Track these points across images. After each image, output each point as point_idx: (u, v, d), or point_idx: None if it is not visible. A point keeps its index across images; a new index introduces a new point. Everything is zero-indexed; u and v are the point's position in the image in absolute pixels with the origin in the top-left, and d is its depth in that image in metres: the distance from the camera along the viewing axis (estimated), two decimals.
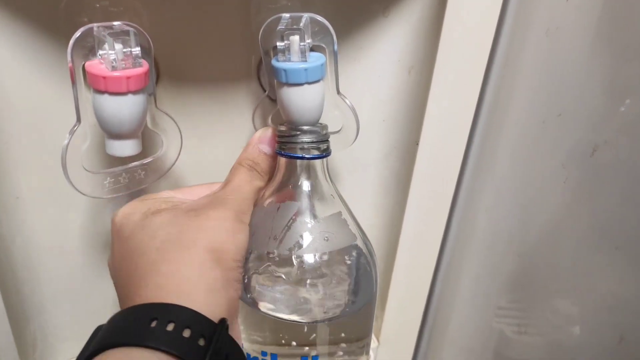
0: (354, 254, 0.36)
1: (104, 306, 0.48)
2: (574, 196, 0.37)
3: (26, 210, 0.41)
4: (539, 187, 0.41)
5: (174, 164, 0.39)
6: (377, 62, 0.41)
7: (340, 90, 0.36)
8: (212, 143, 0.43)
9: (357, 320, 0.36)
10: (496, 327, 0.54)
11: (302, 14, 0.33)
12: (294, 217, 0.34)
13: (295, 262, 0.33)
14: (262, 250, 0.34)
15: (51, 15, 0.36)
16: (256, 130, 0.39)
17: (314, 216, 0.35)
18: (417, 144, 0.41)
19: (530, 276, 0.47)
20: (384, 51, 0.40)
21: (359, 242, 0.36)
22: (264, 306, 0.34)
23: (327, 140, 0.36)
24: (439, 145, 0.41)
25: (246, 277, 0.33)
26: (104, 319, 0.48)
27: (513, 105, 0.41)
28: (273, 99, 0.38)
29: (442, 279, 0.52)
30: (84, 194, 0.35)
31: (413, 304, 0.50)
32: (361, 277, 0.36)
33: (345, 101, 0.36)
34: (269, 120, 0.39)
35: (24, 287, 0.44)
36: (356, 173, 0.46)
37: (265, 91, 0.40)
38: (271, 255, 0.34)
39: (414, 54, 0.40)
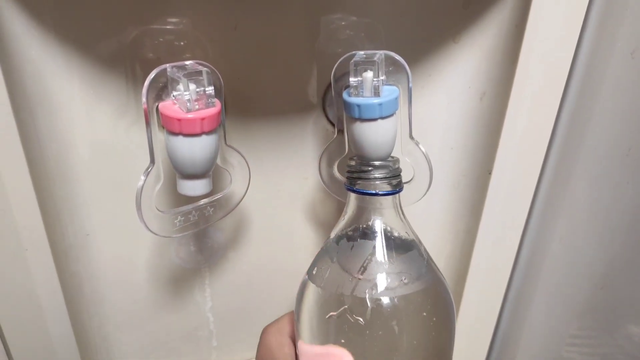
0: (431, 293, 0.34)
1: (165, 337, 0.48)
2: None
3: (97, 247, 0.41)
4: (618, 215, 0.39)
5: (242, 199, 0.38)
6: (447, 88, 0.39)
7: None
8: (278, 178, 0.42)
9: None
10: (566, 357, 0.51)
11: (376, 51, 0.32)
12: (369, 257, 0.33)
13: (370, 304, 0.32)
14: (334, 291, 0.33)
15: (118, 51, 0.36)
16: (321, 174, 0.38)
17: (391, 255, 0.34)
18: (490, 173, 0.39)
19: (604, 305, 0.45)
20: (455, 77, 0.39)
21: (436, 280, 0.35)
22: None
23: (400, 175, 0.34)
24: (513, 174, 0.39)
25: (320, 318, 0.32)
26: (165, 349, 0.49)
27: (590, 132, 0.39)
28: (341, 131, 0.37)
29: (511, 309, 0.50)
30: (156, 234, 0.34)
31: (481, 333, 0.48)
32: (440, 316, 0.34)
33: (418, 147, 0.35)
34: (335, 168, 0.38)
35: (93, 320, 0.44)
36: (423, 202, 0.44)
37: (332, 124, 0.39)
38: (346, 297, 0.32)
39: (487, 79, 0.38)
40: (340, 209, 0.44)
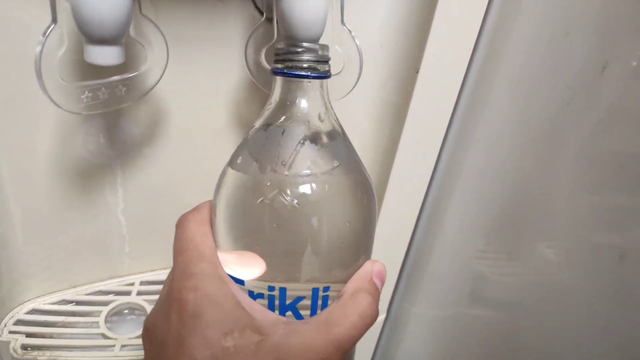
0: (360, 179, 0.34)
1: (73, 242, 0.45)
2: (577, 123, 0.36)
3: None
4: (539, 113, 0.40)
5: (158, 81, 0.35)
6: None
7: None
8: (199, 66, 0.39)
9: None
10: (476, 269, 0.54)
11: None
12: (301, 141, 0.32)
13: (302, 188, 0.31)
14: (264, 178, 0.31)
15: None
16: (247, 61, 0.35)
17: (321, 141, 0.33)
18: (417, 72, 0.39)
19: (517, 218, 0.47)
20: None
21: (363, 169, 0.34)
22: None
23: (329, 63, 0.33)
24: (439, 73, 0.39)
25: (250, 204, 0.31)
26: (73, 255, 0.46)
27: (516, 28, 0.39)
28: (270, 20, 0.35)
29: (429, 213, 0.51)
30: (60, 107, 0.31)
31: (399, 236, 0.49)
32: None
33: (351, 36, 0.33)
34: (262, 55, 0.36)
35: None
36: (348, 102, 0.43)
37: (262, 14, 0.36)
38: (279, 182, 0.31)
39: None
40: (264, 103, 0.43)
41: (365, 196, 0.34)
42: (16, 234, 0.42)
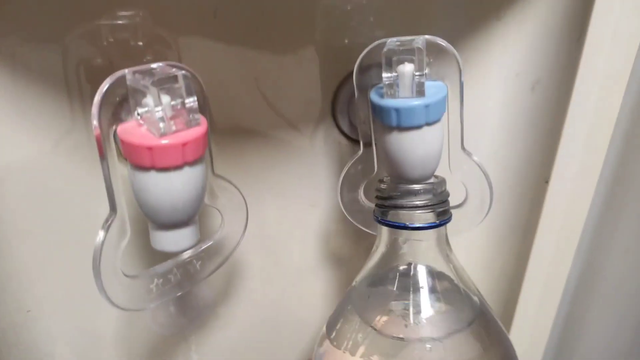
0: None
1: None
2: None
3: (40, 326, 0.31)
4: None
5: (238, 244, 0.28)
6: (488, 78, 0.31)
7: None
8: (278, 209, 0.33)
9: None
10: None
11: (414, 37, 0.24)
12: (409, 307, 0.25)
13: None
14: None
15: (51, 57, 0.26)
16: (343, 201, 0.29)
17: (435, 305, 0.25)
18: (547, 182, 0.31)
19: None
20: (500, 63, 0.31)
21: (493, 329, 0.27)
22: None
23: (447, 201, 0.26)
24: (572, 184, 0.32)
25: None
26: None
27: None
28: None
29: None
30: (124, 309, 0.24)
31: None
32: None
33: (471, 159, 0.26)
34: (361, 192, 0.29)
35: None
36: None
37: (346, 137, 0.30)
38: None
39: (539, 64, 0.30)
40: (360, 242, 0.35)
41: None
42: None
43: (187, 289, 0.27)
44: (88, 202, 0.28)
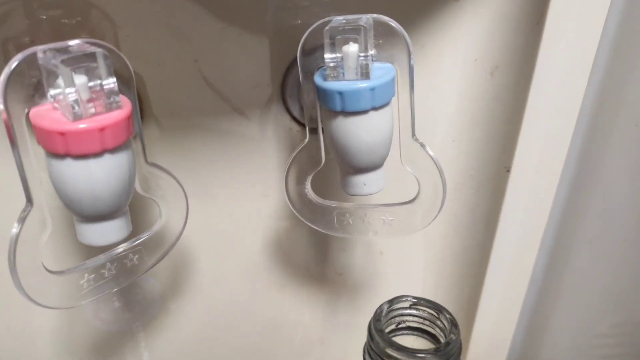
0: None
1: None
2: None
3: None
4: None
5: (179, 237, 0.27)
6: (446, 63, 0.29)
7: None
8: (226, 199, 0.31)
9: None
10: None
11: (360, 15, 0.22)
12: None
13: None
14: None
15: None
16: (289, 194, 0.27)
17: None
18: (508, 171, 0.30)
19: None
20: (457, 47, 0.29)
21: None
22: None
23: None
24: (535, 171, 0.30)
25: None
26: None
27: (627, 108, 0.30)
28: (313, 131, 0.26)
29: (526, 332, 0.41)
30: (47, 307, 0.23)
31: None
32: None
33: (425, 151, 0.25)
34: (307, 185, 0.27)
35: None
36: None
37: (297, 122, 0.28)
38: None
39: (499, 49, 0.29)
40: (313, 237, 0.34)
41: None
42: None
43: (125, 284, 0.26)
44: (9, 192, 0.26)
